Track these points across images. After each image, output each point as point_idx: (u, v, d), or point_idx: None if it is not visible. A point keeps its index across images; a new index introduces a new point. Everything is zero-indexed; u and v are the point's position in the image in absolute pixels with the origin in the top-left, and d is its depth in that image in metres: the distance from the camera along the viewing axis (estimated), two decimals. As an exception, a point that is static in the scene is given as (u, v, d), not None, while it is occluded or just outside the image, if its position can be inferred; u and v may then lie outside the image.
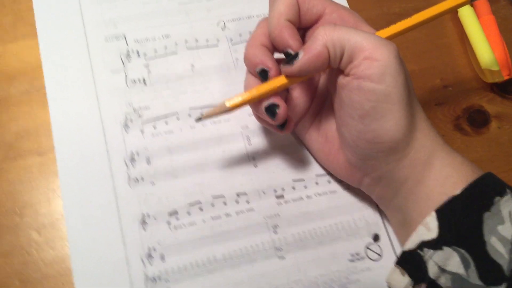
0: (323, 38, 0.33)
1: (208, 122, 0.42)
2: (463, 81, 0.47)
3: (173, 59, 0.44)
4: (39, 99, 0.41)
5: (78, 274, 0.36)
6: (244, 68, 0.44)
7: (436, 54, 0.48)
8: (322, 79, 0.40)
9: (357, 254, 0.39)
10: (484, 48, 0.46)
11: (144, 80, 0.43)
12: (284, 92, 0.38)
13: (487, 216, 0.31)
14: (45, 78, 0.41)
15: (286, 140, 0.42)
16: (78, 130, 0.40)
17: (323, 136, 0.39)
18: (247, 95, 0.35)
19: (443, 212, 0.32)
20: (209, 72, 0.44)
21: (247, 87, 0.37)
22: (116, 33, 0.44)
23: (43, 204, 0.38)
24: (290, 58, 0.34)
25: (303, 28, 0.38)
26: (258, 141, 0.42)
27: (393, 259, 0.39)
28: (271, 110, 0.35)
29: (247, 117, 0.42)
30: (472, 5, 0.49)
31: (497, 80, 0.45)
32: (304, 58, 0.33)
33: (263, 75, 0.35)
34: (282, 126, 0.36)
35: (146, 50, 0.44)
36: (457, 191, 0.32)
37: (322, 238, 0.39)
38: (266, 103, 0.35)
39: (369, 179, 0.37)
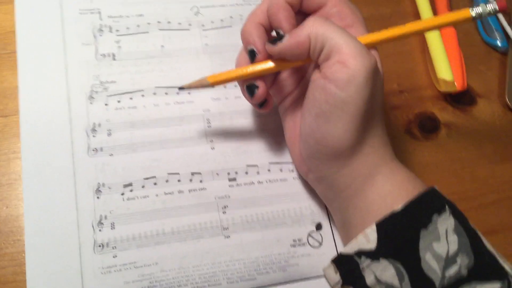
0: (308, 29, 0.34)
1: (171, 101, 0.43)
2: (419, 88, 0.49)
3: (144, 38, 0.45)
4: (9, 63, 0.42)
5: (29, 233, 0.37)
6: (213, 54, 0.46)
7: (396, 59, 0.50)
8: (312, 68, 0.41)
9: (299, 240, 0.41)
10: (442, 59, 0.48)
11: (113, 55, 0.44)
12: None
13: (424, 233, 0.32)
14: (17, 43, 0.43)
15: (243, 127, 0.44)
16: (44, 96, 0.41)
17: (294, 120, 0.40)
18: (228, 75, 0.37)
19: (382, 226, 0.33)
20: (178, 54, 0.45)
21: (237, 60, 0.39)
22: (91, 7, 0.45)
23: (2, 164, 0.39)
24: (275, 39, 0.35)
25: (305, 13, 0.39)
26: (218, 124, 0.43)
27: (332, 248, 0.41)
28: (251, 89, 0.37)
29: (210, 101, 0.44)
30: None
31: (450, 90, 0.48)
32: (286, 42, 0.34)
33: (251, 56, 0.37)
34: (261, 105, 0.38)
35: (119, 27, 0.45)
36: (396, 206, 0.33)
37: (268, 222, 0.41)
38: (247, 82, 0.37)
39: (313, 176, 0.39)
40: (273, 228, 0.41)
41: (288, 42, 0.34)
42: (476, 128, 0.49)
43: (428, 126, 0.48)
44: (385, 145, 0.36)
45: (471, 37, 0.53)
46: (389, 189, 0.35)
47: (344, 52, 0.32)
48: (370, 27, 0.50)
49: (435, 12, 0.52)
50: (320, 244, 0.41)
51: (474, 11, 0.34)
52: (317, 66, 0.35)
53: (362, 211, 0.35)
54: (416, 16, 0.52)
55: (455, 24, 0.36)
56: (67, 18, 0.44)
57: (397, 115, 0.48)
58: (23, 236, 0.37)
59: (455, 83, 0.48)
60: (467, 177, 0.47)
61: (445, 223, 0.33)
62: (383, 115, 0.36)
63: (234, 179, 0.42)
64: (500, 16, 0.52)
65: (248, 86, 0.37)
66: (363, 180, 0.35)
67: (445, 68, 0.48)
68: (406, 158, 0.46)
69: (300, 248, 0.41)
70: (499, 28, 0.52)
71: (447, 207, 0.34)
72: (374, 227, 0.33)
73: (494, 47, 0.52)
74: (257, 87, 0.37)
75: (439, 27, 0.36)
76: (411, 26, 0.36)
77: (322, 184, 0.38)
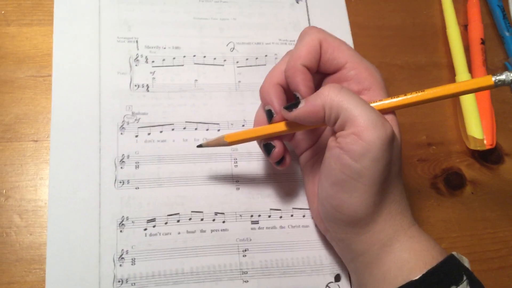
0: (324, 98, 0.34)
1: (200, 137, 0.43)
2: (447, 142, 0.49)
3: (179, 71, 0.45)
4: (43, 86, 0.43)
5: (51, 263, 0.37)
6: (245, 91, 0.46)
7: (427, 111, 0.50)
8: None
9: (317, 290, 0.41)
10: (473, 116, 0.48)
11: (147, 86, 0.44)
12: None
13: None
14: (53, 67, 0.43)
15: (270, 170, 0.44)
16: (76, 123, 0.41)
17: (313, 175, 0.41)
18: (245, 135, 0.38)
19: None
20: (211, 89, 0.45)
21: (256, 116, 0.40)
22: (129, 36, 0.45)
23: (29, 190, 0.40)
24: (291, 104, 0.35)
25: (323, 73, 0.39)
26: (245, 165, 0.43)
27: (349, 300, 0.41)
28: (268, 148, 0.38)
29: (238, 139, 0.44)
30: (470, 72, 0.51)
31: (479, 148, 0.48)
32: (301, 109, 0.35)
33: (269, 115, 0.37)
34: (278, 163, 0.39)
35: (155, 58, 0.45)
36: (413, 275, 0.33)
37: (287, 269, 0.41)
38: (264, 141, 0.38)
39: (330, 235, 0.39)
40: (291, 275, 0.41)
41: (303, 109, 0.35)
42: (502, 188, 0.48)
43: (454, 182, 0.48)
44: (403, 211, 0.35)
45: (504, 94, 0.53)
46: (406, 258, 0.34)
47: (359, 124, 0.32)
48: (405, 76, 0.51)
49: (469, 64, 0.52)
50: (337, 296, 0.41)
51: (496, 78, 0.33)
52: (334, 132, 0.35)
53: (378, 278, 0.35)
54: (451, 66, 0.52)
55: (476, 91, 0.35)
56: (105, 45, 0.45)
57: (424, 169, 0.47)
58: (44, 266, 0.37)
59: (485, 141, 0.47)
60: (488, 237, 0.46)
61: None
62: (401, 180, 0.36)
63: (257, 222, 0.42)
64: (534, 74, 0.52)
65: (265, 145, 0.38)
66: (380, 247, 0.35)
67: (476, 125, 0.47)
68: (429, 214, 0.46)
69: (317, 299, 0.41)
70: (532, 87, 0.52)
71: (464, 277, 0.33)
72: None
73: (526, 106, 0.52)
74: (274, 146, 0.38)
75: (458, 95, 0.35)
76: (429, 93, 0.35)
77: (339, 245, 0.38)
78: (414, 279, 0.32)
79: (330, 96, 0.33)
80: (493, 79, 0.33)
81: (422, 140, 0.49)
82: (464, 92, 0.35)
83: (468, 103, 0.48)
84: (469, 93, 0.35)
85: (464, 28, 0.54)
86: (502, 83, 0.33)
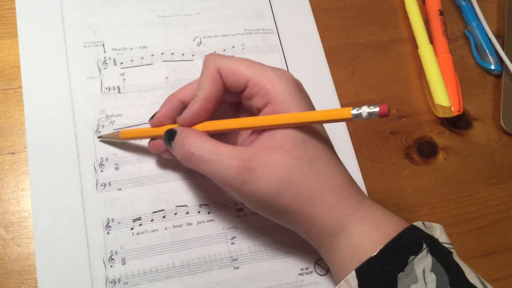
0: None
1: (177, 133, 0.44)
2: (417, 113, 0.51)
3: (148, 70, 0.46)
4: (14, 98, 0.42)
5: (41, 272, 0.38)
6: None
7: (395, 86, 0.51)
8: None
9: (307, 268, 0.42)
10: (439, 85, 0.49)
11: (118, 88, 0.44)
12: None
13: (401, 276, 0.32)
14: (22, 79, 0.43)
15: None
16: (51, 132, 0.42)
17: None
18: (138, 134, 0.41)
19: (362, 272, 0.33)
20: (182, 85, 0.45)
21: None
22: (95, 40, 0.45)
23: (12, 202, 0.40)
24: (169, 136, 0.37)
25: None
26: (223, 155, 0.44)
27: (338, 275, 0.42)
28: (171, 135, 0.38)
29: (214, 131, 0.45)
30: (432, 44, 0.52)
31: (447, 115, 0.49)
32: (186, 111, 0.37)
33: (152, 115, 0.40)
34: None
35: (123, 59, 0.45)
36: (370, 254, 0.33)
37: (276, 251, 0.42)
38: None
39: None
40: (281, 257, 0.42)
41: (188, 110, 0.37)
42: (473, 151, 0.50)
43: (427, 150, 0.49)
44: (344, 198, 0.35)
45: (466, 61, 0.54)
46: (356, 242, 0.34)
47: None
48: (370, 54, 0.52)
49: (430, 36, 0.53)
50: (327, 271, 0.42)
51: (354, 111, 0.31)
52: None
53: (337, 263, 0.36)
54: (413, 40, 0.53)
55: (334, 122, 0.34)
56: (71, 52, 0.45)
57: (396, 141, 0.49)
58: (35, 275, 0.37)
59: (452, 109, 0.49)
60: (465, 200, 0.48)
61: (422, 263, 0.33)
62: (336, 167, 0.36)
63: (241, 210, 0.43)
64: (493, 40, 0.54)
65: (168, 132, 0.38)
66: (331, 237, 0.35)
67: (442, 94, 0.49)
68: (406, 183, 0.47)
69: (308, 277, 0.42)
70: (492, 52, 0.54)
71: (424, 245, 0.33)
72: (354, 274, 0.33)
73: (488, 71, 0.54)
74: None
75: (315, 123, 0.35)
76: (263, 120, 0.36)
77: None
78: (372, 254, 0.33)
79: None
80: (352, 111, 0.31)
81: (393, 114, 0.50)
82: (322, 121, 0.34)
83: (433, 73, 0.50)
84: (327, 122, 0.34)
85: (422, 1, 0.56)
86: (360, 116, 0.31)
